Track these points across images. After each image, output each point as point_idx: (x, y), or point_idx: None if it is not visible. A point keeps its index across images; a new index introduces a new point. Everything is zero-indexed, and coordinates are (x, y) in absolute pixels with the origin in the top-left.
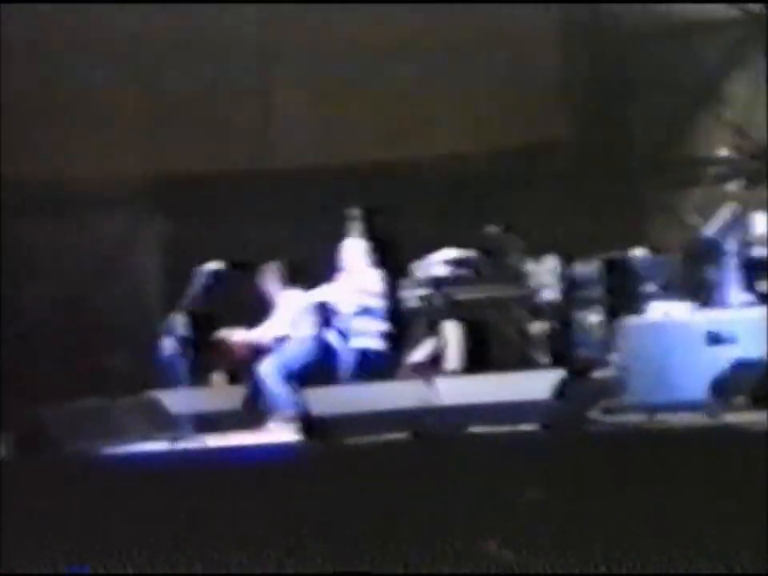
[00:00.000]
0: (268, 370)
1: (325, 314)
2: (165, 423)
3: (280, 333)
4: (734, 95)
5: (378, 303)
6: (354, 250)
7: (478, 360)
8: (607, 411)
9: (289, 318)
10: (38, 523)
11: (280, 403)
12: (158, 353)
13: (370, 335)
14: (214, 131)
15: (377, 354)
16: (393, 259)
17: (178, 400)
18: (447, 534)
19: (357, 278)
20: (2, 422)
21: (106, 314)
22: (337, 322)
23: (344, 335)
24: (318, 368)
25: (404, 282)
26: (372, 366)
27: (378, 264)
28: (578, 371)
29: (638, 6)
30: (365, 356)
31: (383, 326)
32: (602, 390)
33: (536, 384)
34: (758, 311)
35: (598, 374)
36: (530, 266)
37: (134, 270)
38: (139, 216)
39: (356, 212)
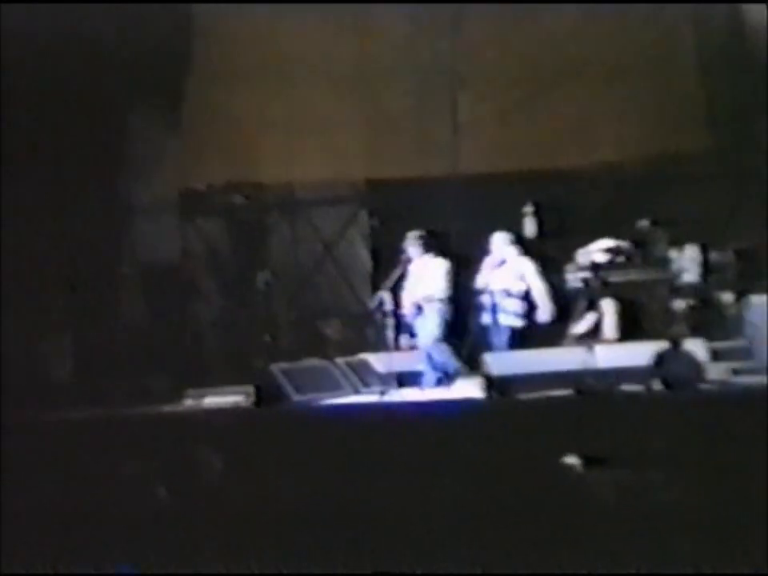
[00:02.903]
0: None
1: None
2: (373, 380)
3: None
4: None
5: (525, 287)
6: (503, 242)
7: (629, 331)
8: (736, 373)
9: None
10: (273, 462)
11: (443, 364)
12: (367, 323)
13: (514, 314)
14: (412, 143)
15: (519, 329)
16: (560, 247)
17: (383, 361)
18: (609, 469)
19: (511, 265)
20: (245, 378)
21: (326, 291)
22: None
23: (495, 313)
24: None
25: (569, 267)
26: (516, 341)
27: (545, 251)
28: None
29: None
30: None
31: (524, 306)
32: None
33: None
34: None
35: (730, 343)
36: (674, 254)
37: (347, 257)
38: (351, 213)
39: (529, 209)
